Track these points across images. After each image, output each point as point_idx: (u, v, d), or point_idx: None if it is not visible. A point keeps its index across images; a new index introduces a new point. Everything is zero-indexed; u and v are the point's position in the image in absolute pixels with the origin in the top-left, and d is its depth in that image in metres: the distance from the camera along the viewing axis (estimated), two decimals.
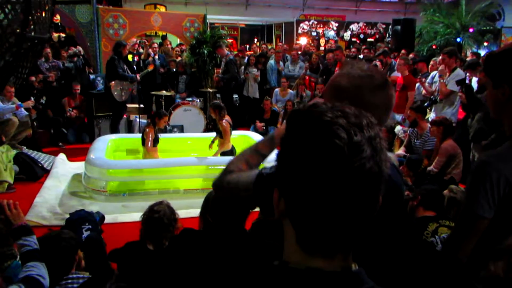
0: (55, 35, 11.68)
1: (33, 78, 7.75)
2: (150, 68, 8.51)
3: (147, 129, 5.98)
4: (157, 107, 8.26)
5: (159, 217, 2.71)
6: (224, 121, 5.89)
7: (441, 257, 2.01)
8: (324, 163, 0.71)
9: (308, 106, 0.79)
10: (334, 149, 0.70)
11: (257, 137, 6.97)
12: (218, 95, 9.37)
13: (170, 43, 11.78)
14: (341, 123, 0.72)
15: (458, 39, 12.09)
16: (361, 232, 0.77)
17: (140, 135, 6.56)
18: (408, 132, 6.05)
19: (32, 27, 5.44)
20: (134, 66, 8.69)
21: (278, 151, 0.81)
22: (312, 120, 0.74)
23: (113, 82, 7.53)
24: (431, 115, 6.33)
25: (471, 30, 12.29)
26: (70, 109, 8.16)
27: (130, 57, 8.93)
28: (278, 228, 1.39)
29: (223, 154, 6.13)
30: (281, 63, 10.01)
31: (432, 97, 6.46)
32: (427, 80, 6.84)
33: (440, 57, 6.65)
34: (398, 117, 7.08)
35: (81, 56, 8.77)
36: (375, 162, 0.72)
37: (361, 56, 10.33)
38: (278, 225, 1.37)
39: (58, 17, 9.74)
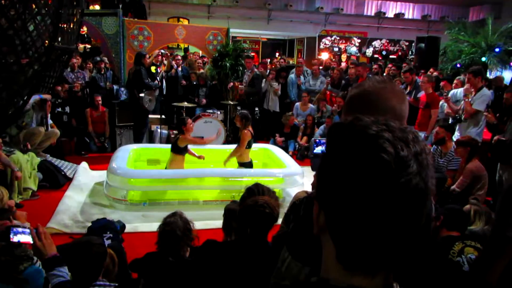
0: (81, 46, 11.96)
1: (59, 88, 7.93)
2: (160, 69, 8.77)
3: (181, 137, 5.90)
4: (178, 118, 8.33)
5: (171, 229, 2.71)
6: (246, 130, 5.97)
7: (470, 279, 1.96)
8: (369, 177, 0.69)
9: (351, 119, 0.77)
10: (380, 163, 0.69)
11: (277, 151, 6.97)
12: (238, 108, 9.41)
13: (199, 56, 11.88)
14: (387, 137, 0.70)
15: (483, 59, 11.93)
16: (405, 250, 0.74)
17: (160, 145, 6.62)
18: (432, 150, 5.96)
19: (60, 38, 5.57)
20: (157, 77, 8.83)
21: (320, 164, 0.79)
22: (356, 134, 0.73)
23: (142, 93, 7.72)
24: (456, 134, 6.24)
25: (497, 50, 12.12)
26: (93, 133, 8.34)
27: (153, 68, 9.08)
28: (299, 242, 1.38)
29: (241, 165, 6.16)
30: (301, 77, 10.01)
31: (456, 115, 6.37)
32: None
33: (464, 76, 6.57)
34: (421, 134, 6.99)
35: (109, 69, 8.97)
36: (421, 178, 0.70)
37: (384, 74, 10.28)
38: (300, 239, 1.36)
39: (85, 28, 9.96)
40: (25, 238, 2.30)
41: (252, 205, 2.16)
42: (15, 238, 2.32)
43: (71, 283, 2.10)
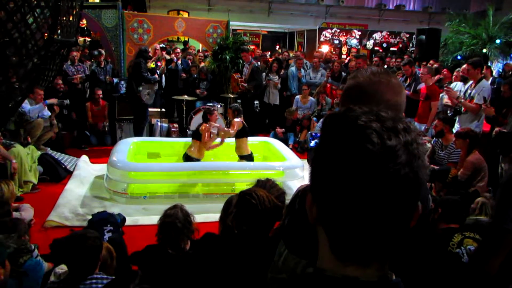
0: (81, 39, 11.92)
1: (59, 81, 7.91)
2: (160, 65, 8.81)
3: (203, 127, 6.08)
4: (178, 111, 8.32)
5: (171, 221, 2.72)
6: (238, 119, 6.15)
7: (469, 270, 1.97)
8: (356, 168, 0.69)
9: (344, 110, 0.77)
10: (366, 154, 0.69)
11: (277, 144, 6.96)
12: (238, 101, 9.39)
13: (195, 49, 11.87)
14: (375, 127, 0.70)
15: (484, 50, 11.88)
16: (398, 240, 0.74)
17: (161, 138, 6.62)
18: (432, 142, 5.94)
19: (59, 31, 5.55)
20: (157, 71, 8.80)
21: (313, 156, 0.80)
22: (347, 125, 0.73)
23: (141, 87, 7.70)
24: (456, 126, 6.22)
25: (498, 41, 12.06)
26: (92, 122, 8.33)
27: (152, 64, 9.06)
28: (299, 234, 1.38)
29: (242, 158, 6.18)
30: (302, 70, 9.98)
31: (456, 107, 6.34)
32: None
33: (465, 67, 6.51)
34: (421, 127, 6.98)
35: (109, 62, 8.95)
36: (411, 168, 0.70)
37: (385, 66, 10.24)
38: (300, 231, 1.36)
39: (84, 21, 9.91)
40: None
41: (243, 192, 2.15)
42: None
43: None
